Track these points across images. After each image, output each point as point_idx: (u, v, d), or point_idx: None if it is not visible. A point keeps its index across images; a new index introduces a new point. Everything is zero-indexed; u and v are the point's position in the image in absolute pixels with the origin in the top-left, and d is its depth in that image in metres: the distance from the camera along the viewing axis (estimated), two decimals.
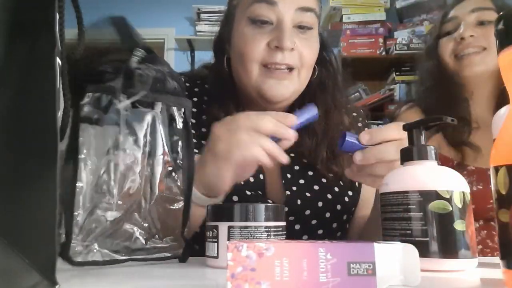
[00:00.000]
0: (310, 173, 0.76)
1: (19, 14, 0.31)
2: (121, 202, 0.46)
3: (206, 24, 2.94)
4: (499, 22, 0.34)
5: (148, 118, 0.49)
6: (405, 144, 0.50)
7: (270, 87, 0.71)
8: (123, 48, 0.50)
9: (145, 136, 0.49)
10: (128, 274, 0.41)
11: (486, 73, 0.96)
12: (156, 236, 0.49)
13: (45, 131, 0.30)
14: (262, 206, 0.45)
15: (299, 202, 0.72)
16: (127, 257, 0.46)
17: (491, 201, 0.89)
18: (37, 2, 0.31)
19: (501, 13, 0.35)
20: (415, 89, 1.11)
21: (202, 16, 2.95)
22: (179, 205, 0.51)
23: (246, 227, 0.44)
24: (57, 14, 0.31)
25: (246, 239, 0.43)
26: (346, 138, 0.57)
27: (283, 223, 0.47)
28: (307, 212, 0.72)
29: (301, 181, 0.74)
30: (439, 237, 0.42)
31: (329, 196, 0.74)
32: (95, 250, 0.45)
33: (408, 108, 1.06)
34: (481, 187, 0.94)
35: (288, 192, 0.73)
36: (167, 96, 0.50)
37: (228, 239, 0.43)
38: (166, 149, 0.51)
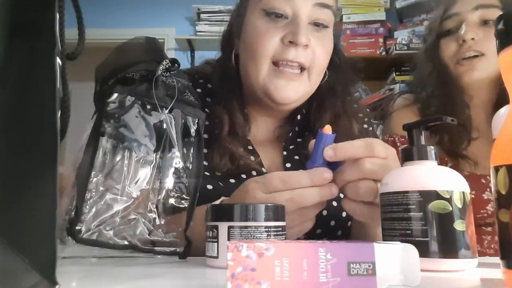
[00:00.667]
0: None
1: (19, 14, 0.31)
2: (131, 191, 0.49)
3: (206, 24, 2.94)
4: (499, 22, 0.34)
5: (166, 120, 0.53)
6: (389, 163, 0.47)
7: (277, 88, 0.67)
8: (151, 60, 0.54)
9: (161, 135, 0.53)
10: (128, 273, 0.41)
11: (486, 79, 0.91)
12: (160, 230, 0.51)
13: (45, 131, 0.30)
14: (262, 206, 0.45)
15: None
16: (128, 244, 0.48)
17: (482, 210, 0.87)
18: (37, 2, 0.31)
19: (501, 13, 0.35)
20: (414, 90, 1.02)
21: (202, 16, 2.95)
22: (185, 203, 0.54)
23: (246, 227, 0.44)
24: (57, 14, 0.31)
25: (246, 239, 0.43)
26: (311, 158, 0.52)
27: (283, 223, 0.47)
28: (324, 212, 0.69)
29: None
30: (439, 237, 0.42)
31: (334, 203, 0.71)
32: (100, 232, 0.47)
33: (404, 106, 1.00)
34: (473, 195, 0.89)
35: None
36: (185, 106, 0.55)
37: (228, 239, 0.43)
38: (178, 150, 0.54)
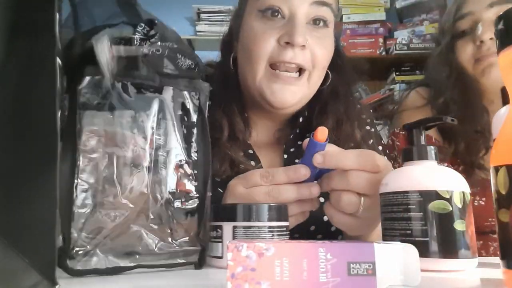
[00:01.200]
0: None
1: (19, 14, 0.31)
2: (126, 201, 0.41)
3: (206, 24, 2.93)
4: (499, 22, 0.34)
5: (155, 105, 0.43)
6: (381, 177, 0.47)
7: (273, 92, 0.65)
8: (123, 23, 0.44)
9: (152, 126, 0.43)
10: (128, 273, 0.41)
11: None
12: (169, 239, 0.44)
13: (45, 131, 0.30)
14: (265, 206, 0.45)
15: None
16: (134, 264, 0.41)
17: (490, 218, 0.84)
18: (37, 2, 0.31)
19: (501, 13, 0.35)
20: (430, 96, 0.95)
21: (202, 16, 2.94)
22: (194, 203, 0.46)
23: (250, 227, 0.43)
24: (56, 14, 0.31)
25: (252, 239, 0.43)
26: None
27: (286, 223, 0.47)
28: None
29: None
30: (439, 237, 0.42)
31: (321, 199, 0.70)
32: (97, 256, 0.39)
33: (418, 107, 0.93)
34: (483, 203, 0.85)
35: None
36: (177, 79, 0.45)
37: (233, 239, 0.43)
38: (178, 141, 0.45)
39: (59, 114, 0.30)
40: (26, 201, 0.30)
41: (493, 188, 0.35)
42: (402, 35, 2.57)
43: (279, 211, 0.46)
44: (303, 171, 0.50)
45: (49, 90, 0.30)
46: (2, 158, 0.30)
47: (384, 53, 2.61)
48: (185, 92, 0.46)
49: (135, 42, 0.42)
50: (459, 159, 0.88)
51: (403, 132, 0.92)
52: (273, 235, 0.44)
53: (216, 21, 2.88)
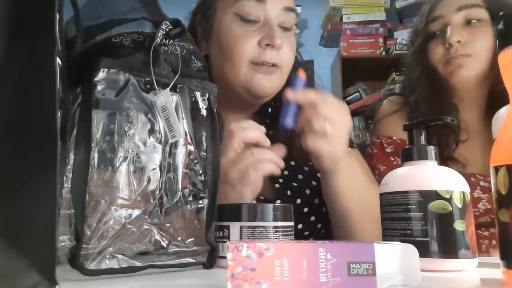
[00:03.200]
0: (292, 163, 0.77)
1: (19, 13, 0.31)
2: (139, 199, 0.41)
3: None
4: (499, 22, 0.34)
5: (168, 102, 0.43)
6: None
7: (259, 82, 0.72)
8: (145, 19, 0.44)
9: (164, 124, 0.43)
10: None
11: (475, 78, 0.90)
12: (179, 238, 0.44)
13: (45, 131, 0.30)
14: (270, 206, 0.45)
15: (289, 192, 0.74)
16: (147, 264, 0.40)
17: (473, 209, 0.86)
18: (37, 1, 0.31)
19: (501, 13, 0.35)
20: (404, 93, 1.02)
21: None
22: (204, 202, 0.46)
23: (257, 227, 0.43)
24: (57, 14, 0.31)
25: (259, 239, 0.43)
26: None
27: (292, 223, 0.47)
28: (298, 201, 0.74)
29: (286, 172, 0.75)
30: (439, 237, 0.42)
31: (313, 183, 0.76)
32: (109, 256, 0.39)
33: (393, 112, 0.99)
34: None
35: (277, 185, 0.75)
36: (191, 79, 0.46)
37: (240, 238, 0.43)
38: (189, 138, 0.46)
39: (59, 114, 0.30)
40: (26, 201, 0.30)
41: (493, 188, 0.35)
42: (402, 35, 2.57)
43: (285, 211, 0.46)
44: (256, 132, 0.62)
45: (49, 90, 0.30)
46: (2, 158, 0.30)
47: (384, 53, 2.61)
48: (197, 92, 0.47)
49: (157, 40, 0.42)
50: None
51: (378, 140, 0.95)
52: (279, 235, 0.44)
53: None
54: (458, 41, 0.88)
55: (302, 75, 0.62)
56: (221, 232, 0.45)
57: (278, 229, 0.44)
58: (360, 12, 2.66)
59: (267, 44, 0.71)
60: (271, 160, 0.60)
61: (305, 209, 0.75)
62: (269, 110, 0.84)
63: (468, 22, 0.90)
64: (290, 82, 0.62)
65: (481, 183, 0.87)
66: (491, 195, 0.85)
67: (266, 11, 0.72)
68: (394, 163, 0.90)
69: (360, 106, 2.61)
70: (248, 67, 0.72)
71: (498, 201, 0.34)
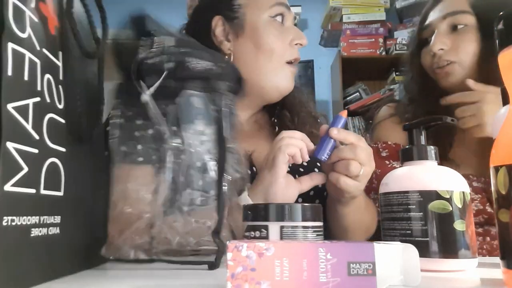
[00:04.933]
0: (301, 169, 0.78)
1: None
2: (152, 199, 0.45)
3: None
4: (499, 22, 0.34)
5: (175, 108, 0.47)
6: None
7: (289, 80, 0.80)
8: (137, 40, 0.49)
9: (170, 127, 0.47)
10: (130, 273, 0.41)
11: (463, 83, 0.89)
12: (189, 236, 0.46)
13: None
14: (309, 206, 0.44)
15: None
16: (152, 258, 0.45)
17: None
18: None
19: (501, 13, 0.35)
20: (402, 99, 1.05)
21: None
22: (213, 202, 0.47)
23: (298, 227, 0.42)
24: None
25: (296, 239, 0.42)
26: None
27: (321, 223, 0.46)
28: (311, 192, 0.74)
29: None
30: (439, 237, 0.42)
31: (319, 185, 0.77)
32: (124, 248, 0.44)
33: (388, 117, 1.02)
34: None
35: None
36: (194, 81, 0.48)
37: (281, 239, 0.42)
38: (199, 140, 0.48)
39: (10, 104, 0.30)
40: None
41: (493, 188, 0.35)
42: (402, 35, 2.57)
43: (319, 212, 0.45)
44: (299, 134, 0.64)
45: None
46: None
47: (384, 53, 2.61)
48: (202, 93, 0.49)
49: (142, 55, 0.47)
50: None
51: (375, 145, 0.97)
52: (318, 236, 0.43)
53: None
54: (441, 49, 0.90)
55: (344, 115, 0.64)
56: (258, 232, 0.44)
57: (314, 229, 0.43)
58: (360, 12, 2.66)
59: (296, 44, 0.80)
60: (296, 145, 0.62)
61: (317, 201, 0.77)
62: (277, 107, 0.88)
63: (454, 28, 0.91)
64: (332, 120, 0.64)
65: (474, 183, 0.87)
66: (484, 195, 0.85)
67: (289, 14, 0.82)
68: (389, 166, 0.91)
69: (360, 106, 2.61)
70: (284, 66, 0.80)
71: (498, 201, 0.34)
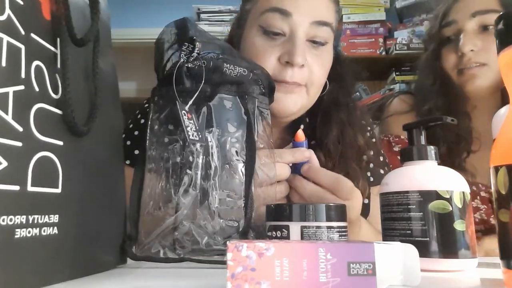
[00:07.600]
0: None
1: None
2: (182, 199, 0.46)
3: (206, 24, 2.93)
4: (499, 22, 0.34)
5: (206, 111, 0.49)
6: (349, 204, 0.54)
7: (276, 100, 0.65)
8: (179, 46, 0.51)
9: (202, 129, 0.48)
10: (132, 273, 0.41)
11: (490, 88, 0.86)
12: (215, 236, 0.47)
13: None
14: (332, 206, 0.44)
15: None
16: (181, 257, 0.45)
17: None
18: None
19: (501, 13, 0.35)
20: (414, 103, 0.98)
21: (202, 16, 2.94)
22: (240, 202, 0.48)
23: (319, 227, 0.42)
24: None
25: (320, 239, 0.42)
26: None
27: (346, 224, 0.46)
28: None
29: None
30: (439, 237, 0.42)
31: None
32: (153, 247, 0.46)
33: (402, 113, 0.97)
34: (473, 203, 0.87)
35: None
36: (226, 85, 0.49)
37: (302, 239, 0.42)
38: (229, 142, 0.49)
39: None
40: None
41: (493, 188, 0.35)
42: (402, 35, 2.57)
43: (343, 212, 0.46)
44: (307, 153, 0.59)
45: None
46: None
47: (384, 53, 2.61)
48: (234, 97, 0.50)
49: (182, 59, 0.49)
50: (441, 161, 0.90)
51: (386, 138, 0.93)
52: (339, 235, 0.44)
53: (216, 21, 2.88)
54: (471, 50, 0.85)
55: (298, 139, 0.62)
56: (279, 232, 0.43)
57: (341, 230, 0.43)
58: (360, 12, 2.66)
59: (287, 62, 0.66)
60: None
61: None
62: (302, 127, 0.77)
63: (484, 28, 0.85)
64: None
65: (482, 193, 0.84)
66: (489, 207, 0.83)
67: (293, 25, 0.66)
68: None
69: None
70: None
71: (498, 201, 0.34)
